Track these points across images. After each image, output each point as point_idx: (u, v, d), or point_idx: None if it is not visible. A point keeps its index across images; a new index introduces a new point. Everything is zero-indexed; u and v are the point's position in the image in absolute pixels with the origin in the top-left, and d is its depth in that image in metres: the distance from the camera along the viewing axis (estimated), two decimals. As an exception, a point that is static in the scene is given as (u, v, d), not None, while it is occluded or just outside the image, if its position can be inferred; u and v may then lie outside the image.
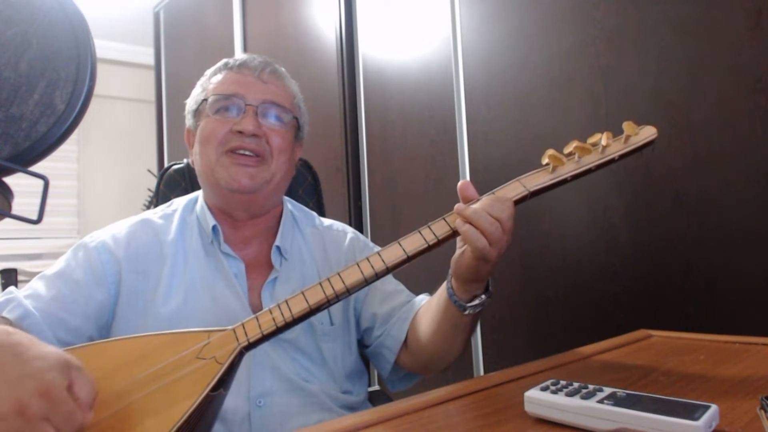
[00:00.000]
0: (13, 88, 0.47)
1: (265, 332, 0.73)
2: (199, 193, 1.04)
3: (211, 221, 0.97)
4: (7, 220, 0.50)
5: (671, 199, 1.14)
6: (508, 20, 1.45)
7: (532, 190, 0.77)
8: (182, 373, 0.70)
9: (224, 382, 0.71)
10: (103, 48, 3.63)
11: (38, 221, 0.49)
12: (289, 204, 1.09)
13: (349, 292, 0.75)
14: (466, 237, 0.75)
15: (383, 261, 0.75)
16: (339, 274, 0.75)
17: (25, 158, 0.48)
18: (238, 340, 0.72)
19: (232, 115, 0.93)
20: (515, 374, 0.76)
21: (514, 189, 0.78)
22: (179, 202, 1.04)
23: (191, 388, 0.68)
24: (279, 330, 0.73)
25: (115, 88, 3.72)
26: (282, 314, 0.73)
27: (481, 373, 1.51)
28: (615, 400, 0.54)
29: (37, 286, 0.89)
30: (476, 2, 1.53)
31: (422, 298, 1.01)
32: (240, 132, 0.91)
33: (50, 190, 0.49)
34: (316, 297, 0.74)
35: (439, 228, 0.77)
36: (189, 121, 1.01)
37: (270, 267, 0.98)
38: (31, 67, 0.48)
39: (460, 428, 0.59)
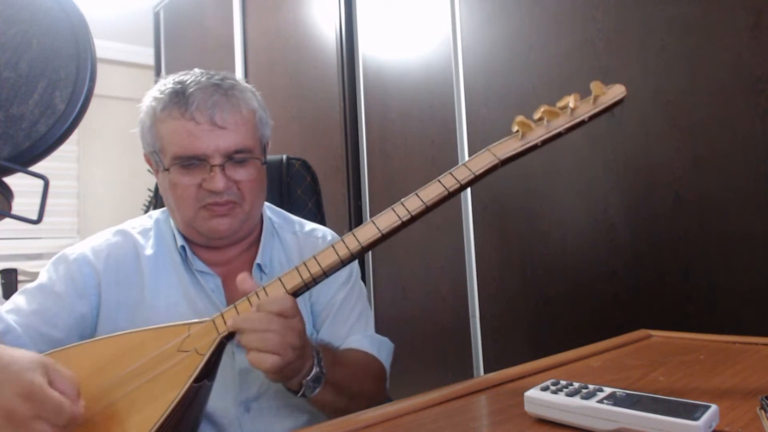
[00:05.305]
0: (13, 88, 0.47)
1: None
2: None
3: (180, 241, 0.97)
4: (7, 220, 0.50)
5: (671, 199, 1.14)
6: (508, 20, 1.45)
7: (502, 158, 0.74)
8: (165, 366, 0.70)
9: (207, 372, 0.71)
10: (103, 48, 3.63)
11: (38, 221, 0.49)
12: (268, 211, 1.07)
13: (326, 274, 0.74)
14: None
15: (358, 240, 0.74)
16: (315, 257, 0.74)
17: (25, 158, 0.48)
18: (218, 330, 0.72)
19: (197, 170, 0.91)
20: (515, 374, 0.76)
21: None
22: (155, 215, 1.04)
23: (174, 380, 0.69)
24: None
25: (115, 88, 3.71)
26: (259, 300, 0.73)
27: (481, 373, 1.51)
28: (615, 400, 0.54)
29: (18, 300, 0.89)
30: (476, 2, 1.53)
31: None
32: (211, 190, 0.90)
33: (50, 190, 0.48)
34: (292, 281, 0.73)
35: (412, 204, 0.74)
36: (146, 149, 0.99)
37: None
38: (31, 67, 0.48)
39: (460, 428, 0.59)
